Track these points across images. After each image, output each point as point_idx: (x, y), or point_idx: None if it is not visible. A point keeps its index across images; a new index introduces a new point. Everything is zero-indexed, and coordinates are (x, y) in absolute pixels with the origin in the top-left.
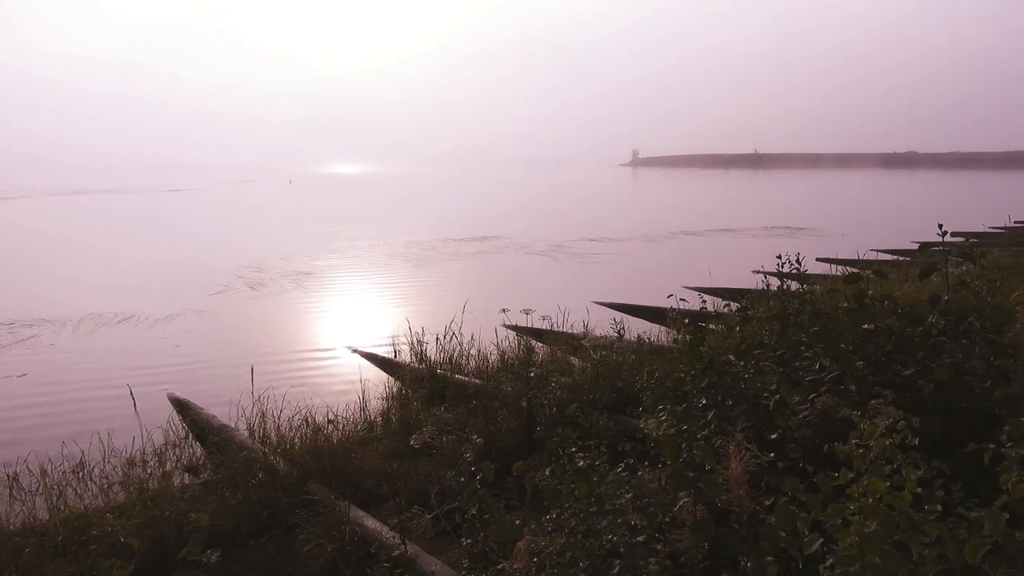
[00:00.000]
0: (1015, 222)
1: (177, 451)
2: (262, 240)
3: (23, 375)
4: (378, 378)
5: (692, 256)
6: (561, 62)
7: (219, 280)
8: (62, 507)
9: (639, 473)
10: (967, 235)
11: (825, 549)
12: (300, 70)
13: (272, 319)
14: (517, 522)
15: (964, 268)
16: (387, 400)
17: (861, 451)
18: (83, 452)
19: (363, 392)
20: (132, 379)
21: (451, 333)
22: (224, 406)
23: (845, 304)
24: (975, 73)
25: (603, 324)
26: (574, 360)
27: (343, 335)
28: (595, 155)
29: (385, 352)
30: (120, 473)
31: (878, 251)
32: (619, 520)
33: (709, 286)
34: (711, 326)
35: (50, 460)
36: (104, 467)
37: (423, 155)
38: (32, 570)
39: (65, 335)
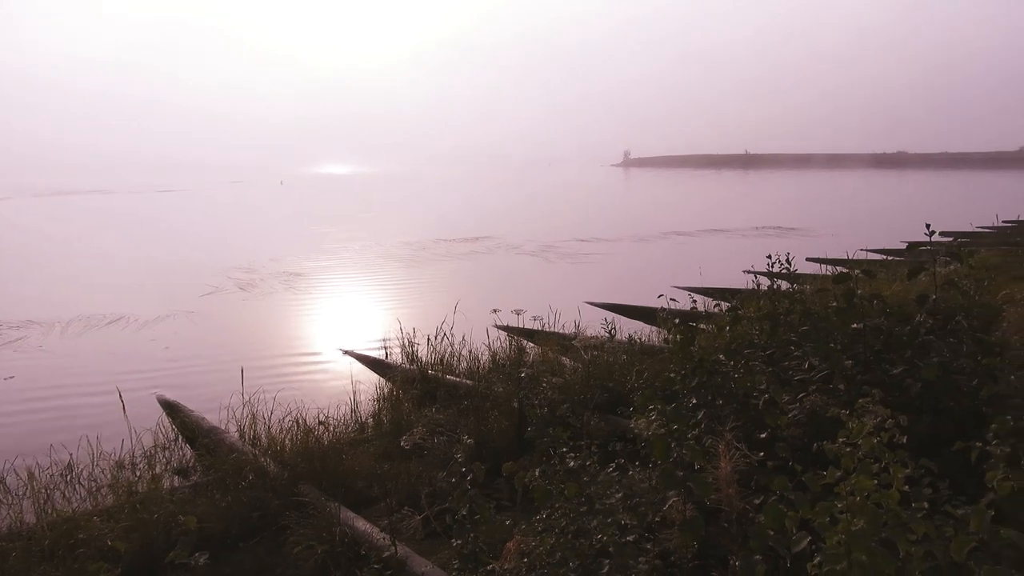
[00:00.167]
0: (1003, 222)
1: (167, 453)
2: (253, 241)
3: (10, 377)
4: (369, 379)
5: (683, 256)
6: (556, 63)
7: (209, 281)
8: (49, 510)
9: (630, 473)
10: (955, 235)
11: (813, 547)
12: (300, 70)
13: (262, 320)
14: (507, 522)
15: (952, 268)
16: (378, 401)
17: (849, 450)
18: (71, 455)
19: (354, 393)
20: (121, 381)
21: (442, 334)
22: (214, 408)
23: (834, 304)
24: (963, 75)
25: (594, 324)
26: (565, 360)
27: (334, 336)
28: (587, 156)
29: (376, 353)
30: (109, 476)
31: (867, 251)
32: (609, 520)
33: (700, 286)
34: (701, 326)
35: (37, 463)
36: (92, 470)
37: (418, 155)
38: (19, 574)
39: (53, 337)
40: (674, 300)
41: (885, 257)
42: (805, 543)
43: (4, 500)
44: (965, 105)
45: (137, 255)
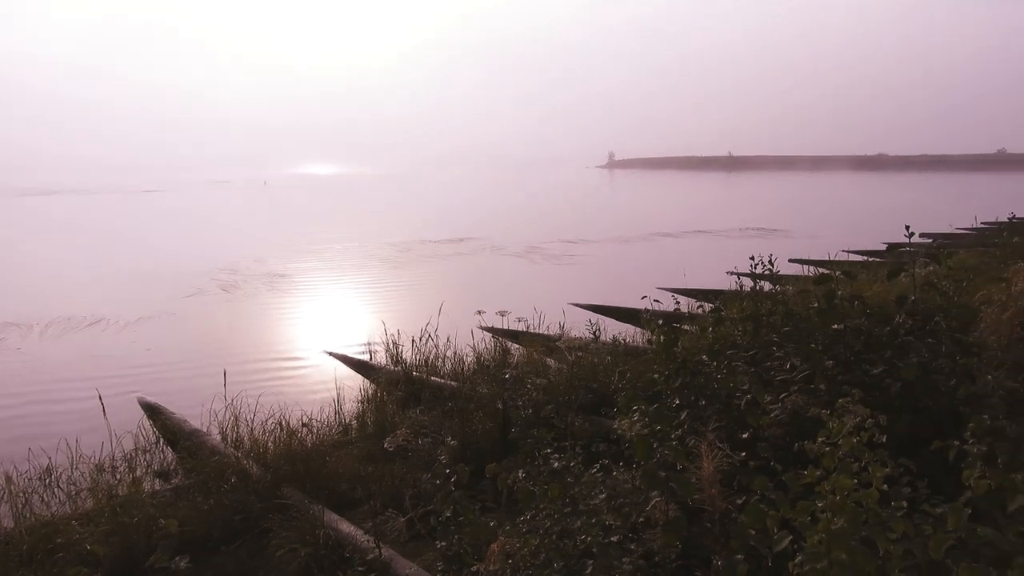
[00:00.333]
0: (982, 223)
1: (148, 456)
2: (235, 241)
3: None
4: (353, 381)
5: (667, 257)
6: (541, 68)
7: (191, 282)
8: (28, 515)
9: (614, 474)
10: (935, 236)
11: (795, 546)
12: (290, 71)
13: (246, 322)
14: (492, 524)
15: (931, 269)
16: (362, 403)
17: (829, 449)
18: (50, 458)
19: (338, 395)
20: (101, 384)
21: (427, 335)
22: (196, 410)
23: (816, 305)
24: (943, 79)
25: (579, 325)
26: (550, 361)
27: (318, 338)
28: (571, 157)
29: (360, 355)
30: (88, 479)
31: (849, 252)
32: (593, 521)
33: (683, 287)
34: (685, 327)
35: (15, 467)
36: (72, 473)
37: (406, 158)
38: None
39: (32, 339)
40: (657, 301)
41: (866, 258)
42: (786, 542)
43: None
44: (944, 108)
45: (117, 256)
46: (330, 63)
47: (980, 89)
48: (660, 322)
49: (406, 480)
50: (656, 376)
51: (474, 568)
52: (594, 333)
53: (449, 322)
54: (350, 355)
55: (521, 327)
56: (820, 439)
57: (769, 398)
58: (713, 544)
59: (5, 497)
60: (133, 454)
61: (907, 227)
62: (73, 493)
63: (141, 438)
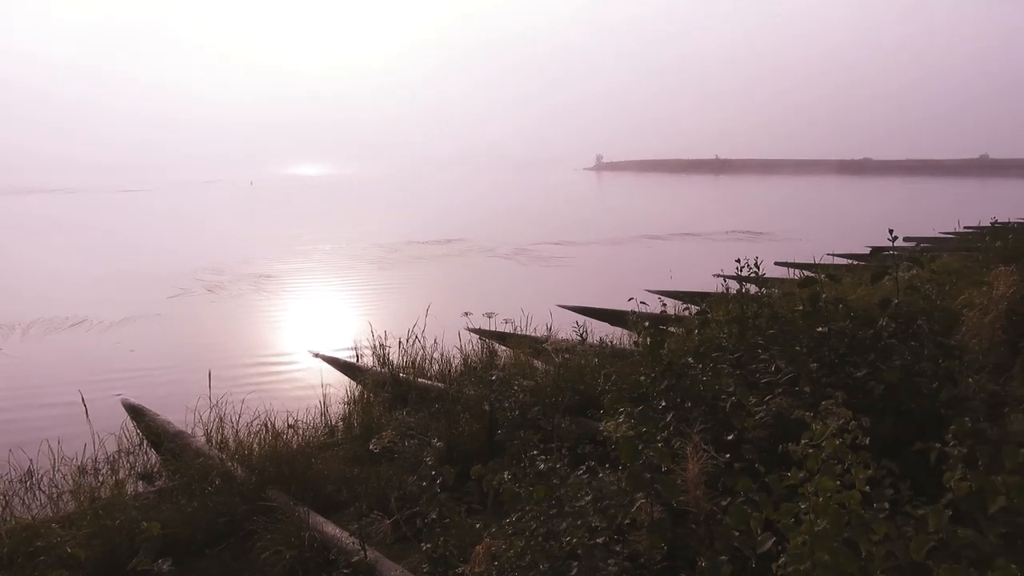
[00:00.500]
0: (964, 227)
1: (131, 458)
2: (221, 242)
3: None
4: (340, 383)
5: (654, 260)
6: (531, 71)
7: (176, 283)
8: (8, 518)
9: (600, 475)
10: (919, 240)
11: (779, 547)
12: (280, 72)
13: (231, 323)
14: (477, 526)
15: (914, 272)
16: (349, 405)
17: (812, 451)
18: (31, 461)
19: (324, 397)
20: (84, 385)
21: (414, 337)
22: (180, 412)
23: (800, 307)
24: (926, 85)
25: (566, 327)
26: (537, 363)
27: (304, 339)
28: (560, 160)
29: (347, 356)
30: (70, 482)
31: (834, 255)
32: (579, 522)
33: (670, 289)
34: (671, 329)
35: None
36: (53, 476)
37: (397, 158)
38: None
39: (13, 340)
40: (644, 303)
41: (851, 262)
42: (770, 544)
43: None
44: (928, 114)
45: (101, 256)
46: (324, 63)
47: (963, 96)
48: (646, 324)
49: (392, 482)
50: (642, 378)
51: (459, 570)
52: (581, 335)
53: (436, 324)
54: (337, 356)
55: (508, 329)
56: (804, 441)
57: (754, 400)
58: (698, 545)
59: None
60: (116, 456)
61: (890, 231)
62: (55, 496)
63: (124, 440)
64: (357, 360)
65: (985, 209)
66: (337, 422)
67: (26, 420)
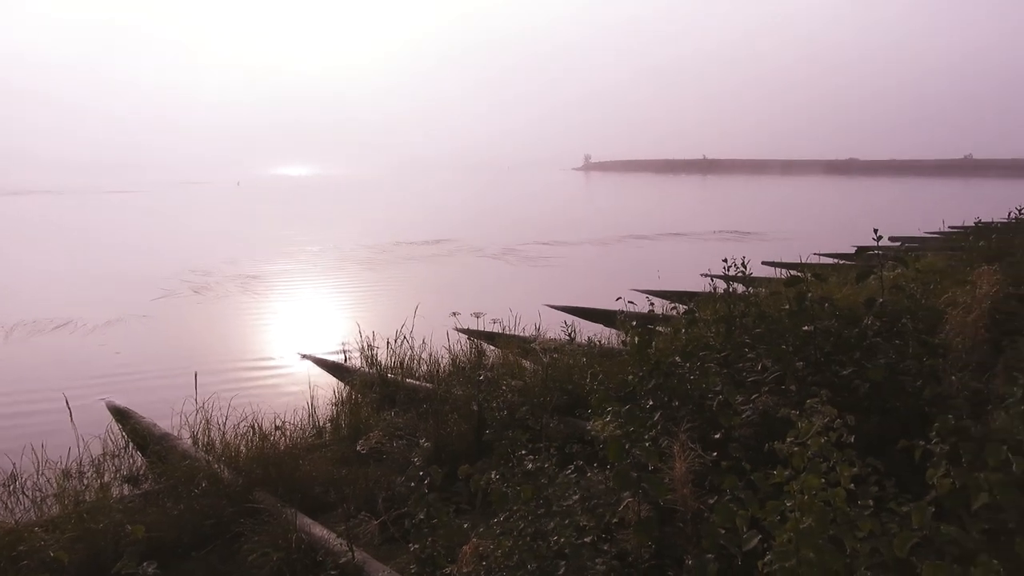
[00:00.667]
0: (949, 227)
1: (116, 461)
2: (207, 243)
3: None
4: (328, 383)
5: (642, 260)
6: (520, 71)
7: (162, 284)
8: None
9: (588, 475)
10: (904, 239)
11: (765, 545)
12: (274, 72)
13: (218, 324)
14: (465, 526)
15: (899, 271)
16: (336, 406)
17: (797, 449)
18: (15, 464)
19: (312, 398)
20: (69, 388)
21: (402, 337)
22: (166, 414)
23: (787, 307)
24: (912, 87)
25: (554, 327)
26: (525, 363)
27: (292, 340)
28: (548, 161)
29: (335, 357)
30: (54, 485)
31: (820, 255)
32: (567, 522)
33: (658, 289)
34: (659, 328)
35: None
36: (37, 479)
37: (387, 160)
38: None
39: None
40: (632, 303)
41: (837, 261)
42: (755, 541)
43: None
44: (913, 116)
45: (85, 257)
46: (317, 64)
47: (948, 98)
48: (634, 324)
49: (380, 483)
50: (630, 377)
51: (447, 570)
52: (569, 335)
53: (425, 324)
54: (324, 357)
55: (497, 329)
56: (789, 439)
57: (741, 399)
58: (686, 544)
59: None
60: (101, 459)
61: (875, 230)
62: (38, 499)
63: (109, 443)
64: (345, 361)
65: (969, 209)
66: (325, 423)
67: (9, 423)
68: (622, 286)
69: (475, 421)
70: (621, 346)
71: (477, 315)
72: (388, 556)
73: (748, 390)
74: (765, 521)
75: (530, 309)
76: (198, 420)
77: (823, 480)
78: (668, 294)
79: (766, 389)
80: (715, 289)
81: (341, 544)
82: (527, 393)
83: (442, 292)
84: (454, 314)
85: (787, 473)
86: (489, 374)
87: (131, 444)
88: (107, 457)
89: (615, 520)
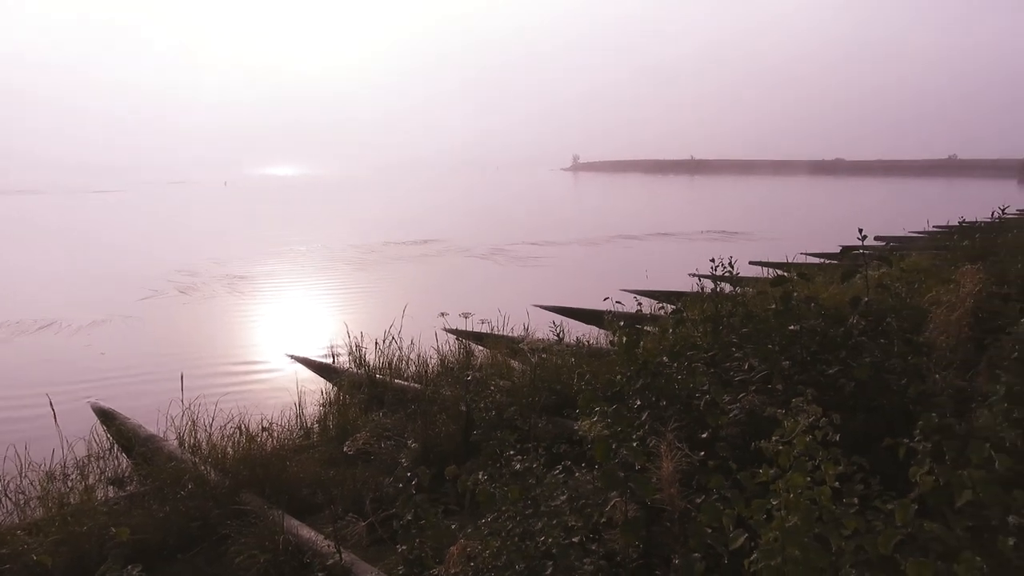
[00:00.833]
0: (934, 227)
1: (101, 463)
2: (194, 243)
3: None
4: (316, 384)
5: (630, 259)
6: (511, 72)
7: (148, 285)
8: None
9: (576, 475)
10: (889, 239)
11: (751, 544)
12: (263, 73)
13: (205, 325)
14: (453, 527)
15: (883, 271)
16: (324, 407)
17: (782, 448)
18: None
19: (300, 399)
20: (53, 389)
21: (390, 338)
22: (152, 416)
23: (773, 306)
24: (897, 88)
25: (543, 327)
26: (513, 363)
27: (279, 341)
28: (539, 161)
29: (323, 358)
30: (38, 488)
31: (807, 255)
32: (554, 522)
33: (646, 289)
34: (647, 328)
35: None
36: (20, 482)
37: (379, 160)
38: None
39: None
40: (619, 303)
41: (823, 260)
42: (742, 540)
43: None
44: (898, 117)
45: (70, 257)
46: (304, 65)
47: (933, 100)
48: (622, 324)
49: (368, 484)
50: (618, 377)
51: (435, 571)
52: (558, 335)
53: (413, 324)
54: (312, 358)
55: (485, 329)
56: (775, 438)
57: (728, 398)
58: (673, 543)
59: None
60: (86, 461)
61: (860, 230)
62: (21, 502)
63: (94, 444)
64: (333, 362)
65: (953, 208)
66: (313, 424)
67: None
68: (610, 286)
69: (463, 422)
70: (609, 346)
71: (465, 315)
72: (376, 557)
73: (735, 389)
74: (751, 520)
75: (518, 309)
76: (184, 421)
77: (809, 478)
78: (656, 294)
79: (753, 388)
80: (703, 289)
81: (329, 546)
82: (515, 393)
83: (430, 292)
84: (442, 314)
85: (773, 472)
86: (477, 374)
87: (116, 446)
88: (92, 459)
89: (603, 520)
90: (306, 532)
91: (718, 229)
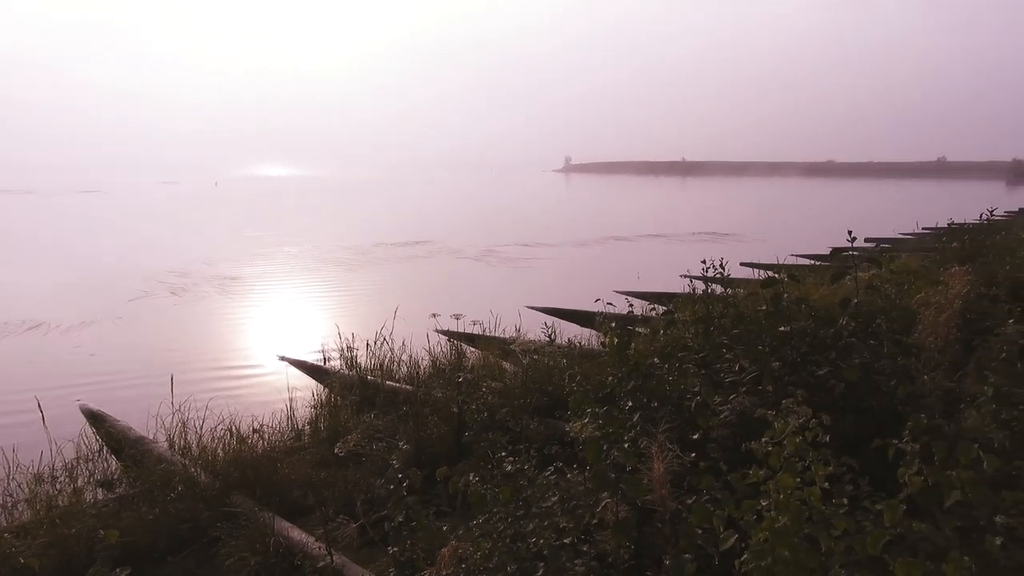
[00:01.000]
0: (923, 228)
1: (90, 465)
2: (184, 243)
3: None
4: (307, 386)
5: (622, 261)
6: (505, 74)
7: (138, 285)
8: None
9: (568, 476)
10: (879, 241)
11: (742, 545)
12: (256, 73)
13: (195, 326)
14: (444, 528)
15: (873, 272)
16: (315, 408)
17: (772, 449)
18: None
19: (291, 401)
20: (41, 391)
21: (382, 339)
22: (142, 418)
23: (764, 307)
24: (889, 91)
25: (535, 329)
26: (505, 365)
27: (270, 342)
28: (528, 163)
29: (314, 359)
30: (26, 490)
31: (797, 256)
32: (546, 523)
33: (638, 290)
34: (638, 329)
35: None
36: (8, 484)
37: (371, 161)
38: None
39: None
40: (611, 304)
41: (814, 262)
42: (732, 541)
43: None
44: (889, 119)
45: (59, 258)
46: (297, 66)
47: (923, 103)
48: (613, 325)
49: (359, 486)
50: (609, 379)
51: (426, 573)
52: (549, 336)
53: (405, 326)
54: (303, 360)
55: (477, 330)
56: (765, 439)
57: (719, 399)
58: (664, 544)
59: None
60: (75, 463)
61: (849, 232)
62: (9, 505)
63: (83, 447)
64: (324, 363)
65: (943, 210)
66: (304, 426)
67: None
68: (602, 287)
69: (455, 423)
70: (600, 347)
71: (457, 317)
72: (367, 559)
73: (726, 391)
74: (742, 521)
75: (510, 310)
76: (174, 423)
77: (799, 479)
78: (647, 295)
79: (743, 389)
80: (694, 290)
81: (319, 547)
82: (507, 395)
83: (422, 294)
84: (434, 316)
85: (763, 473)
86: (469, 376)
87: (105, 448)
88: (81, 461)
89: (594, 521)
90: (297, 534)
91: (709, 230)
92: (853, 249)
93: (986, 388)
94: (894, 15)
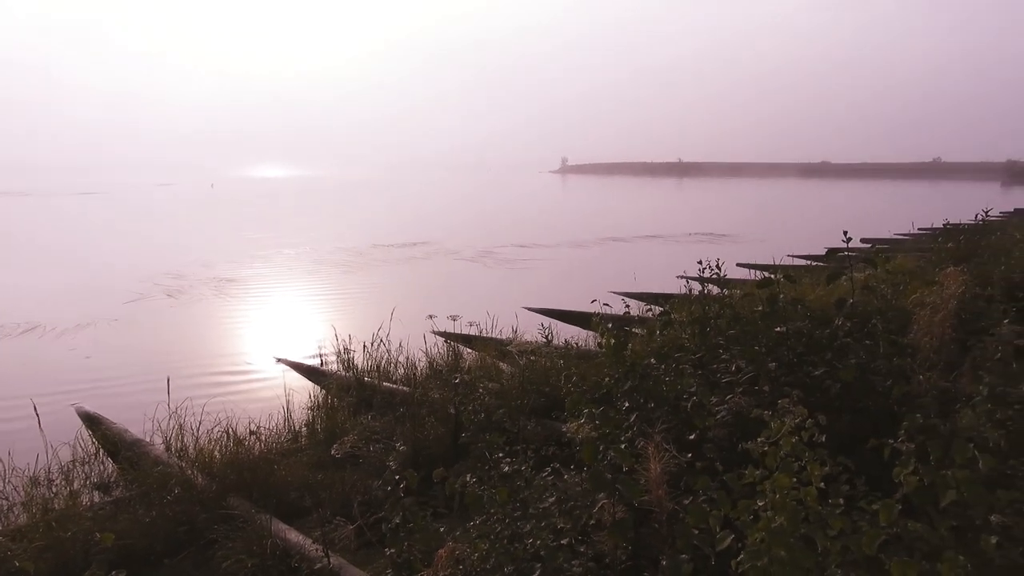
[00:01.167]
0: (919, 229)
1: (86, 468)
2: (181, 245)
3: None
4: (304, 388)
5: (619, 262)
6: (503, 74)
7: (134, 287)
8: None
9: (565, 477)
10: (875, 241)
11: (738, 545)
12: (249, 77)
13: (191, 328)
14: (442, 530)
15: (869, 273)
16: (312, 410)
17: (768, 449)
18: None
19: (288, 402)
20: (37, 393)
21: (379, 340)
22: (138, 420)
23: (760, 308)
24: (884, 93)
25: (531, 330)
26: (502, 366)
27: (267, 344)
28: (525, 163)
29: (311, 361)
30: (22, 493)
31: (793, 256)
32: (543, 524)
33: (634, 291)
34: (635, 330)
35: None
36: (4, 487)
37: (363, 162)
38: None
39: None
40: (607, 305)
41: (809, 262)
42: (728, 541)
43: None
44: (884, 120)
45: (56, 260)
46: (291, 67)
47: (918, 104)
48: (610, 326)
49: (356, 487)
50: (606, 379)
51: (423, 574)
52: (546, 337)
53: (402, 327)
54: (300, 361)
55: (474, 331)
56: (761, 439)
57: (715, 400)
58: (661, 544)
59: None
60: (70, 466)
61: (844, 232)
62: (5, 508)
63: (79, 449)
64: (321, 365)
65: (938, 211)
66: (300, 428)
67: None
68: (599, 288)
69: (452, 424)
70: (597, 348)
71: (454, 318)
72: (364, 561)
73: (722, 391)
74: (738, 521)
75: (507, 311)
76: (171, 426)
77: (795, 479)
78: (644, 296)
79: (740, 390)
80: (690, 291)
81: (316, 549)
82: (504, 396)
83: (419, 295)
84: (431, 317)
85: (759, 473)
86: (466, 377)
87: (101, 450)
88: (77, 464)
89: (591, 522)
90: (294, 536)
91: (705, 231)
92: (849, 250)
93: (981, 388)
94: (894, 16)
